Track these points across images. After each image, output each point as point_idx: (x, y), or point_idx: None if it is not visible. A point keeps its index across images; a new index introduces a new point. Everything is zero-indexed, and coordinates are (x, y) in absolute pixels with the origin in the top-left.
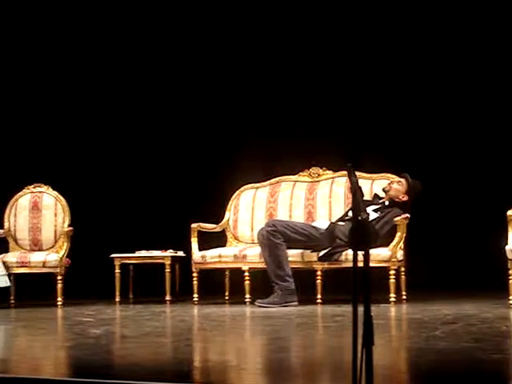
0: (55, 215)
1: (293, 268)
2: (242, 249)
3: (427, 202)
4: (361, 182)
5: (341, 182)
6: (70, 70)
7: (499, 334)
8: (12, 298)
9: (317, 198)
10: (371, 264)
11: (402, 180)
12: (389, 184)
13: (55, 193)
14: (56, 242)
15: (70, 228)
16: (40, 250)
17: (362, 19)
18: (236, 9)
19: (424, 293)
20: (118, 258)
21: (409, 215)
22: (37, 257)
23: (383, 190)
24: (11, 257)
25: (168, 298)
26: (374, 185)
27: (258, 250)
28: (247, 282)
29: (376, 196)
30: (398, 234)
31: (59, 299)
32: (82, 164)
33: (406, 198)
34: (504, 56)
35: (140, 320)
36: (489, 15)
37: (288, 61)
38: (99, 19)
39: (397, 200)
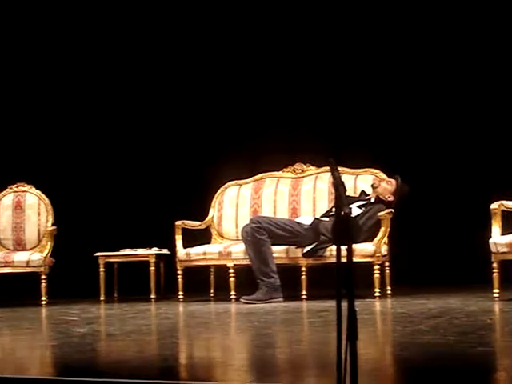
0: (38, 214)
1: (277, 264)
2: (226, 246)
3: (411, 196)
4: (344, 178)
5: (325, 177)
6: (51, 70)
7: (483, 328)
8: None
9: (301, 194)
10: (356, 259)
11: (392, 180)
12: (378, 181)
13: (38, 192)
14: (40, 241)
15: (54, 227)
16: (24, 249)
17: (346, 17)
18: (220, 10)
19: (408, 287)
20: (103, 256)
21: (393, 210)
22: (20, 256)
23: (372, 185)
24: None
25: (153, 295)
26: (358, 180)
27: (242, 246)
28: (232, 279)
29: (363, 192)
30: (382, 229)
31: (43, 298)
32: (65, 163)
33: (391, 199)
34: (485, 52)
35: (125, 318)
36: (470, 15)
37: (271, 58)
38: (88, 17)
39: (382, 199)
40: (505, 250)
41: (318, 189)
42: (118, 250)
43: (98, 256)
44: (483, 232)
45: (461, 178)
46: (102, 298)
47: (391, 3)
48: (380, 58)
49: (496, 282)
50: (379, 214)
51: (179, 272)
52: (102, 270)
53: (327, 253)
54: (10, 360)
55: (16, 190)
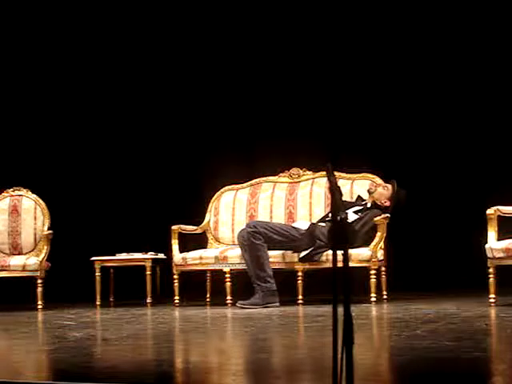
0: (35, 218)
1: (274, 269)
2: (222, 250)
3: (408, 201)
4: (341, 182)
5: (321, 182)
6: (48, 74)
7: (480, 333)
8: None
9: (297, 198)
10: (352, 264)
11: (389, 185)
12: (374, 186)
13: (34, 196)
14: (36, 245)
15: (50, 231)
16: (20, 253)
17: (344, 21)
18: (222, 10)
19: (405, 292)
20: (99, 260)
21: (389, 215)
22: (16, 260)
23: (368, 190)
24: None
25: (149, 300)
26: (355, 185)
27: (238, 251)
28: (228, 284)
29: (359, 198)
30: (379, 234)
31: (39, 303)
32: (61, 167)
33: (387, 204)
34: (481, 59)
35: (121, 323)
36: (468, 19)
37: (267, 63)
38: (86, 19)
39: (379, 204)
40: (501, 255)
41: (314, 193)
42: (114, 255)
43: (94, 260)
44: (479, 237)
45: (457, 183)
46: (97, 303)
47: (389, 8)
48: (377, 62)
49: (492, 287)
50: (375, 218)
51: (175, 276)
52: (98, 274)
53: (323, 258)
54: (6, 364)
55: (12, 194)
